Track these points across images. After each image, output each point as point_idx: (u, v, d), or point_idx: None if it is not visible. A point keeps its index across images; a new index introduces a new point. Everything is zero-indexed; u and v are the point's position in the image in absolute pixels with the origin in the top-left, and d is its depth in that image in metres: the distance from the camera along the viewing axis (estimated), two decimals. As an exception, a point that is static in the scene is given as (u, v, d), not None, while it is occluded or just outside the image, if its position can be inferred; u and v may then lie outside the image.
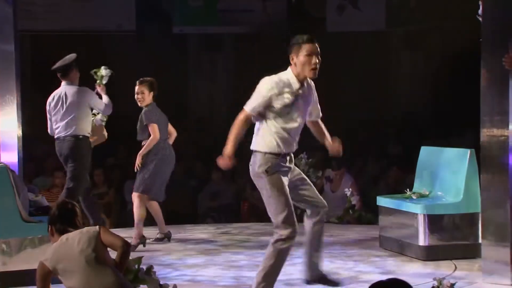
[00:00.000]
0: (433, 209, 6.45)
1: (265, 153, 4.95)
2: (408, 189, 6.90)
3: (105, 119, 7.44)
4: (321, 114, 5.26)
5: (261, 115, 4.98)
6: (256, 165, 4.97)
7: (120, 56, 12.08)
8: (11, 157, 6.66)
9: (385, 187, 9.39)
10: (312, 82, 5.16)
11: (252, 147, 5.08)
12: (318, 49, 5.04)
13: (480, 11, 5.87)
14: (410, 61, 11.99)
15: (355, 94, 11.86)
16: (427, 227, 6.36)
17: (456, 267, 6.13)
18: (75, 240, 3.88)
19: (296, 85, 4.98)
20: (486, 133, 5.60)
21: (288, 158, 4.99)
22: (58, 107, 7.21)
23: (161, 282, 4.95)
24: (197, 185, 10.24)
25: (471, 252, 6.29)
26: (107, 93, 7.46)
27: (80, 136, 7.14)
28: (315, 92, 5.17)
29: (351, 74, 11.51)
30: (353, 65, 11.40)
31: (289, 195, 4.87)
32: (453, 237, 6.42)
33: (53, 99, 7.26)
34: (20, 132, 6.83)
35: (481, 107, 5.70)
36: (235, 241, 7.58)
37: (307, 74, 4.97)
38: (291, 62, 5.03)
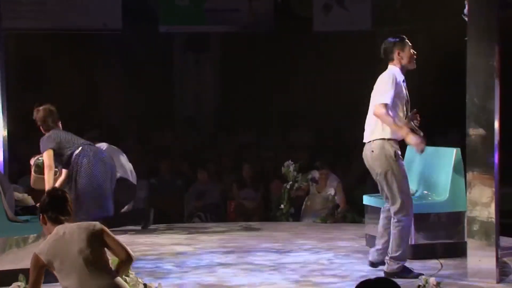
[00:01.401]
0: (419, 208, 6.45)
1: (388, 139, 5.57)
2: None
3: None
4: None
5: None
6: (380, 151, 5.58)
7: (105, 55, 12.06)
8: (-3, 157, 6.61)
9: (371, 185, 9.41)
10: None
11: (371, 138, 5.65)
12: None
13: (465, 11, 5.90)
14: (396, 60, 12.01)
15: (340, 93, 11.88)
16: (413, 226, 6.37)
17: (442, 266, 6.15)
18: (73, 236, 3.77)
19: (401, 77, 5.70)
20: (472, 132, 5.62)
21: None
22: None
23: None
24: (183, 185, 10.23)
25: (457, 250, 6.31)
26: None
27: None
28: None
29: (337, 73, 11.52)
30: (339, 65, 11.41)
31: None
32: (439, 236, 6.45)
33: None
34: (5, 131, 6.78)
35: (466, 106, 5.71)
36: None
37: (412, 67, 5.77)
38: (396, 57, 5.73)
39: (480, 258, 5.57)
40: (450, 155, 6.56)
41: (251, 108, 12.29)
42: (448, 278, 5.59)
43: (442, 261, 6.27)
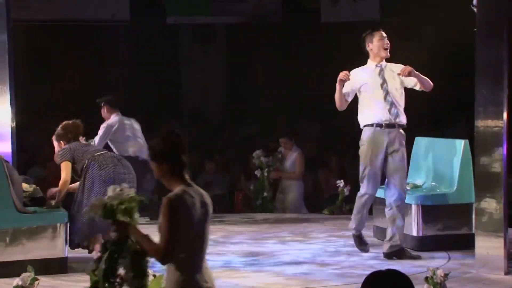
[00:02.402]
0: (427, 200, 6.46)
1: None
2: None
3: None
4: None
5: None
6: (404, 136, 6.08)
7: (113, 46, 12.06)
8: (5, 148, 6.64)
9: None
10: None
11: (404, 121, 6.06)
12: None
13: (474, 1, 5.87)
14: (404, 51, 11.98)
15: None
16: (421, 218, 6.38)
17: (449, 258, 6.15)
18: (205, 204, 3.32)
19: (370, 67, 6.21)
20: (481, 123, 5.61)
21: None
22: (134, 130, 8.08)
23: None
24: (191, 176, 10.21)
25: (464, 242, 6.30)
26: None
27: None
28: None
29: (345, 64, 11.49)
30: (347, 55, 11.37)
31: None
32: (447, 228, 6.45)
33: (121, 124, 7.97)
34: (13, 123, 6.80)
35: (475, 98, 5.70)
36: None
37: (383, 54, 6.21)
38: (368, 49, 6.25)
39: (488, 250, 5.58)
40: (458, 146, 6.54)
41: (258, 99, 12.29)
42: (456, 270, 5.59)
43: (450, 252, 6.26)
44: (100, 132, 7.82)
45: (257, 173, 9.06)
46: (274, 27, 12.05)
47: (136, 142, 8.03)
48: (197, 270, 3.27)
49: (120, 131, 7.97)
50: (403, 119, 6.07)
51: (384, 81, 6.09)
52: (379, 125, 5.99)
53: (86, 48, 11.48)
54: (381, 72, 6.15)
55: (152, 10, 11.68)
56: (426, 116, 11.02)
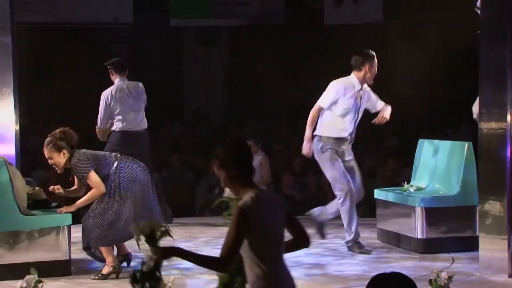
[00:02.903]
0: (431, 202, 6.46)
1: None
2: (405, 182, 6.91)
3: None
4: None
5: None
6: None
7: (116, 49, 12.06)
8: (9, 150, 6.64)
9: (382, 179, 9.40)
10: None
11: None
12: None
13: (478, 3, 5.87)
14: (407, 53, 12.00)
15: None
16: (424, 220, 6.37)
17: (453, 260, 6.14)
18: (277, 212, 3.30)
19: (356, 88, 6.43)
20: (484, 125, 5.61)
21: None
22: (128, 99, 7.37)
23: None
24: (194, 178, 10.23)
25: (468, 244, 6.30)
26: None
27: (145, 130, 7.49)
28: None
29: (348, 66, 11.51)
30: (350, 57, 11.39)
31: None
32: (451, 230, 6.44)
33: (117, 93, 7.35)
34: (17, 125, 6.81)
35: (479, 100, 5.70)
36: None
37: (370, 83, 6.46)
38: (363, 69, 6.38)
39: (492, 252, 5.57)
40: (462, 149, 6.54)
41: (261, 101, 12.29)
42: (459, 272, 5.57)
43: (453, 255, 6.26)
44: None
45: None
46: (276, 29, 12.05)
47: (124, 117, 7.39)
48: (275, 273, 3.27)
49: (113, 101, 7.33)
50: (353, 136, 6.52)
51: (360, 106, 6.46)
52: (340, 138, 6.40)
53: (89, 50, 11.48)
54: (362, 96, 6.46)
55: (155, 13, 11.69)
56: (430, 118, 11.02)
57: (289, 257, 3.40)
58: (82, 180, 5.70)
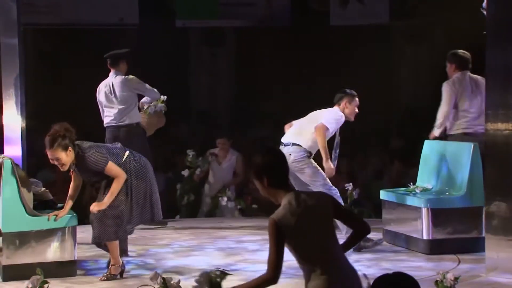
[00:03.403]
0: (437, 203, 6.45)
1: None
2: (411, 183, 6.90)
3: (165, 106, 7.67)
4: None
5: None
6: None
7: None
8: (15, 151, 6.67)
9: (388, 180, 9.39)
10: None
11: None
12: None
13: (484, 4, 5.87)
14: (413, 54, 11.99)
15: (357, 87, 11.84)
16: (430, 221, 6.37)
17: (459, 261, 6.13)
18: (316, 211, 3.37)
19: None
20: (491, 126, 5.60)
21: None
22: (110, 96, 7.33)
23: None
24: (201, 178, 10.20)
25: (474, 246, 6.30)
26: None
27: (134, 124, 7.32)
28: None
29: (354, 67, 11.51)
30: (356, 59, 11.39)
31: None
32: (457, 231, 6.43)
33: (102, 88, 7.37)
34: (23, 126, 6.84)
35: (485, 101, 5.69)
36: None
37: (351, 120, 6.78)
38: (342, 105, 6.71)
39: (498, 253, 5.56)
40: (468, 150, 6.53)
41: (267, 102, 12.29)
42: (465, 274, 5.57)
43: (460, 256, 6.25)
44: None
45: (184, 173, 9.02)
46: (282, 30, 12.06)
47: (108, 111, 7.34)
48: (325, 271, 3.30)
49: (100, 95, 7.32)
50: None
51: (338, 135, 6.84)
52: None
53: (95, 51, 11.51)
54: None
55: (160, 14, 11.71)
56: (435, 119, 11.01)
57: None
58: (101, 170, 5.49)
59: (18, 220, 5.70)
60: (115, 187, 5.54)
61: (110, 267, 5.75)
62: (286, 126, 6.87)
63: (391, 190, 7.06)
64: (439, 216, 6.40)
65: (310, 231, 3.31)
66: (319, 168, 6.50)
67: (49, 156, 5.58)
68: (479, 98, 6.78)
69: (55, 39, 11.42)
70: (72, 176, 5.78)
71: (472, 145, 6.51)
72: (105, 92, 7.37)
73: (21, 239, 5.70)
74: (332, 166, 6.49)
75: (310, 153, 6.54)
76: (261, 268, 3.45)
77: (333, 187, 6.51)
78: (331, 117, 6.56)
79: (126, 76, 7.37)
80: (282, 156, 3.50)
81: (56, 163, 5.58)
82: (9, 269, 5.68)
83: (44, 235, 5.73)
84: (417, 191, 6.72)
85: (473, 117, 6.87)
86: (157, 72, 12.09)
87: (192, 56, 13.11)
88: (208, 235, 7.54)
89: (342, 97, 6.74)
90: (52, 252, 5.74)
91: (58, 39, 11.43)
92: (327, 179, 6.52)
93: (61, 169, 5.64)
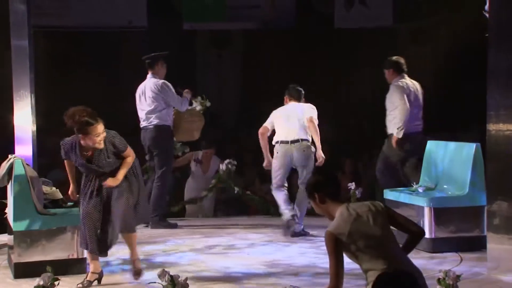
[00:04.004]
0: (439, 202, 6.52)
1: None
2: (414, 183, 6.98)
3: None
4: None
5: None
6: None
7: (131, 52, 12.18)
8: (26, 151, 6.76)
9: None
10: None
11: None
12: None
13: (486, 7, 5.93)
14: (417, 56, 12.04)
15: (362, 89, 11.91)
16: (433, 220, 6.44)
17: (461, 259, 6.20)
18: (369, 217, 3.64)
19: None
20: (492, 127, 5.66)
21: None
22: (141, 98, 7.62)
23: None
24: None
25: (476, 244, 6.36)
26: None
27: (162, 126, 7.55)
28: None
29: (359, 69, 11.57)
30: (361, 61, 11.45)
31: None
32: (459, 230, 6.49)
33: (138, 90, 7.68)
34: (34, 126, 6.93)
35: (487, 102, 5.75)
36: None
37: None
38: None
39: (500, 252, 5.61)
40: (470, 149, 6.60)
41: (273, 104, 12.36)
42: (468, 272, 5.62)
43: (462, 254, 6.31)
44: None
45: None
46: (288, 32, 12.13)
47: (139, 112, 7.70)
48: (381, 271, 3.50)
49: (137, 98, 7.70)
50: None
51: None
52: None
53: (104, 54, 11.61)
54: None
55: (168, 16, 11.80)
56: (438, 119, 11.06)
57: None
58: (123, 150, 5.47)
59: (29, 219, 5.79)
60: (128, 163, 5.50)
61: (133, 262, 5.67)
62: (264, 131, 7.82)
63: (395, 190, 7.13)
64: (441, 215, 6.47)
65: (366, 236, 3.56)
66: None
67: (93, 134, 5.34)
68: (418, 99, 7.51)
69: (65, 41, 11.53)
70: (66, 164, 5.73)
71: (475, 145, 6.58)
72: (139, 94, 7.70)
73: (32, 237, 5.79)
74: (323, 155, 7.37)
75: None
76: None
77: None
78: (314, 111, 7.51)
79: (157, 80, 7.60)
80: (329, 175, 3.83)
81: (97, 140, 5.37)
82: (20, 267, 5.77)
83: (54, 234, 5.82)
84: (420, 190, 6.79)
85: (419, 117, 7.53)
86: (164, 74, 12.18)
87: (199, 57, 13.20)
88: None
89: (302, 93, 7.70)
90: (62, 250, 5.83)
91: (68, 41, 11.55)
92: None
93: (98, 147, 5.39)
